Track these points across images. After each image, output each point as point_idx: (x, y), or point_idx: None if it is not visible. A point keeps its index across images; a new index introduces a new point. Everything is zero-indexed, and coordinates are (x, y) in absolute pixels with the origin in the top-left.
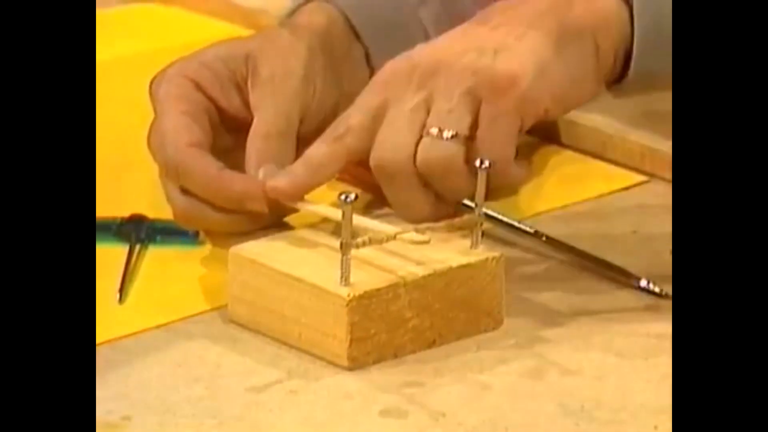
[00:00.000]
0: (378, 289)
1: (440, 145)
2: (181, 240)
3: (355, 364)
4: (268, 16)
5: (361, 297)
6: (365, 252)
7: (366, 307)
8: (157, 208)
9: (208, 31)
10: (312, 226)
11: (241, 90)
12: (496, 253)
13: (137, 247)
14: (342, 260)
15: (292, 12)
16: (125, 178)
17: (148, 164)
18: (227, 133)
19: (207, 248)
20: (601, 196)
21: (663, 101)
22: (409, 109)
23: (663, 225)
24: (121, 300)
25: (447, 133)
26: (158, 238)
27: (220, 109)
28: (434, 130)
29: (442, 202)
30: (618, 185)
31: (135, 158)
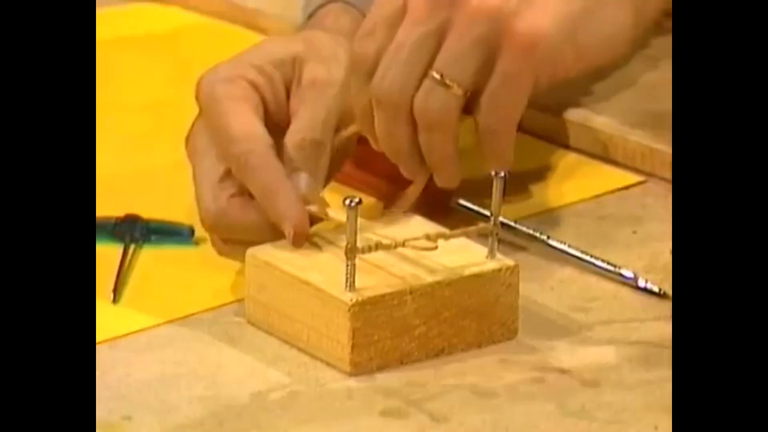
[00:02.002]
0: (382, 295)
1: (438, 94)
2: (176, 240)
3: (358, 369)
4: (268, 17)
5: (363, 303)
6: (379, 257)
7: (369, 313)
8: (152, 207)
9: (208, 31)
10: (333, 229)
11: (289, 93)
12: (511, 263)
13: (132, 246)
14: (347, 265)
15: (312, 13)
16: (120, 178)
17: (143, 164)
18: (271, 135)
19: (202, 248)
20: (601, 196)
21: (663, 101)
22: (418, 38)
23: (663, 225)
24: (115, 300)
25: (449, 82)
26: (153, 237)
27: (267, 112)
28: (437, 75)
29: (417, 155)
30: (618, 185)
31: (131, 158)
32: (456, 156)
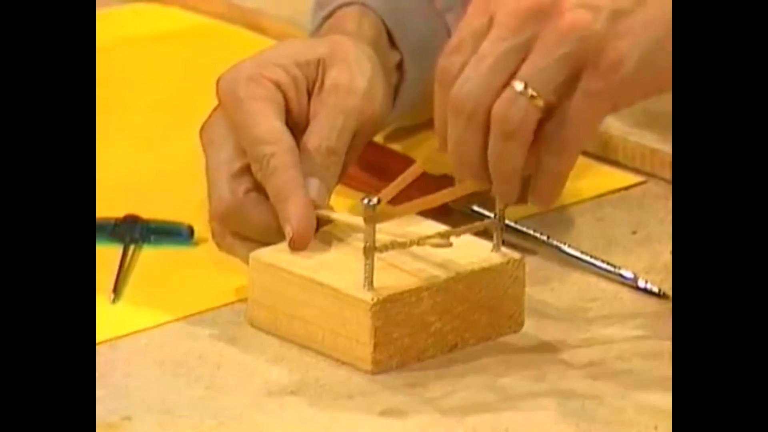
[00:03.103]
0: (402, 293)
1: (520, 103)
2: (175, 240)
3: (379, 368)
4: (267, 17)
5: (384, 301)
6: (391, 256)
7: (389, 311)
8: (152, 208)
9: (208, 31)
10: (332, 229)
11: (310, 95)
12: (517, 256)
13: (131, 247)
14: (366, 264)
15: (330, 14)
16: (120, 179)
17: (142, 165)
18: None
19: (201, 248)
20: (601, 196)
21: (663, 102)
22: (502, 50)
23: (663, 226)
24: (114, 300)
25: (532, 92)
26: (152, 238)
27: (289, 112)
28: (520, 85)
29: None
30: (618, 185)
31: (130, 159)
32: (520, 173)
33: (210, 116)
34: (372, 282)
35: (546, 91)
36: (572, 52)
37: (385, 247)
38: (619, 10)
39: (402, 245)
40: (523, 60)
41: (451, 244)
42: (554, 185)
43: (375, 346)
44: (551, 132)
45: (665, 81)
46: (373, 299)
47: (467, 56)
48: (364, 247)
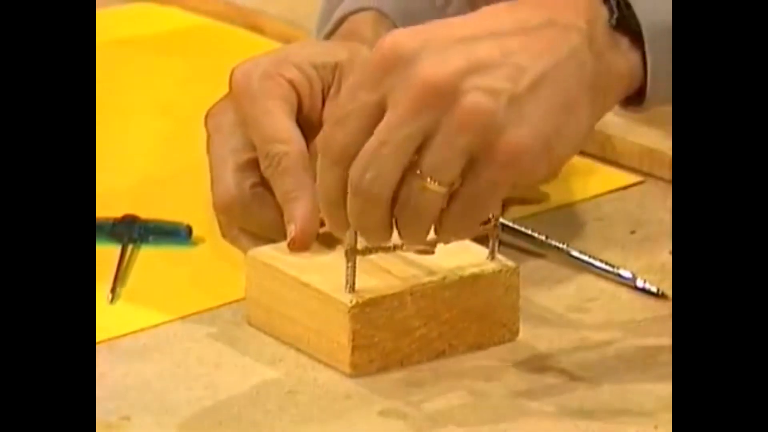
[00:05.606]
0: (383, 297)
1: (425, 194)
2: (173, 240)
3: (358, 371)
4: (267, 17)
5: (364, 304)
6: (381, 259)
7: (370, 315)
8: (150, 208)
9: (207, 31)
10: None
11: (324, 98)
12: (512, 264)
13: (130, 247)
14: (347, 267)
15: (342, 20)
16: (118, 178)
17: (141, 165)
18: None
19: (200, 248)
20: (599, 195)
21: None
22: (403, 137)
23: (661, 225)
24: (112, 300)
25: (435, 186)
26: (151, 238)
27: (301, 112)
28: (425, 178)
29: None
30: (617, 185)
31: (129, 159)
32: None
33: (218, 103)
34: (354, 284)
35: (449, 180)
36: (473, 141)
37: (368, 251)
38: (516, 96)
39: (385, 249)
40: (425, 141)
41: (434, 252)
42: (443, 240)
43: (354, 348)
44: (452, 208)
45: (561, 164)
46: (351, 302)
47: (355, 134)
48: (346, 250)
